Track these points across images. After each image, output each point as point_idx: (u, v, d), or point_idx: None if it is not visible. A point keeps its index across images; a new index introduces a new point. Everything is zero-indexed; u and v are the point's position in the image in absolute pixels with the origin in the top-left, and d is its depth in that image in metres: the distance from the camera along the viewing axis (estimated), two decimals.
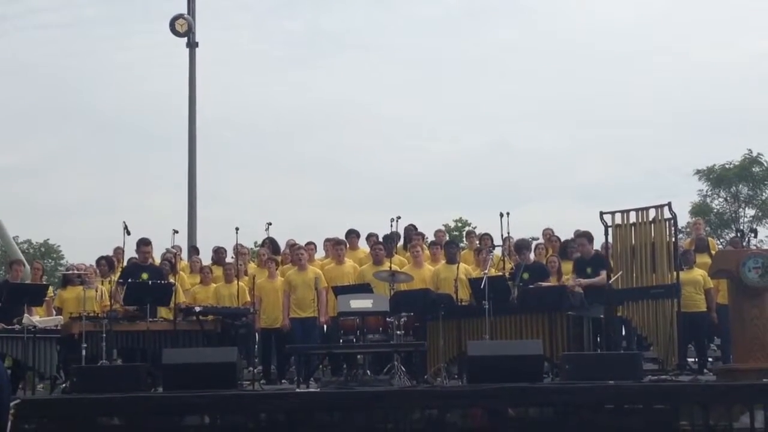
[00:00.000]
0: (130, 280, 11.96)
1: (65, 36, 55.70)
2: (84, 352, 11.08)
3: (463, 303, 11.84)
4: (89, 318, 11.35)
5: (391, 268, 12.23)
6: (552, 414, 9.61)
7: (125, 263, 13.20)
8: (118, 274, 12.66)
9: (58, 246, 40.45)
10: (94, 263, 13.54)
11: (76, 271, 13.01)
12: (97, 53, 55.23)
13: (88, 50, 54.68)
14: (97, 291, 12.48)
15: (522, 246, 12.62)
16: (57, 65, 53.64)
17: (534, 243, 13.05)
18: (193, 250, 15.63)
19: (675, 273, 11.22)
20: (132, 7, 52.96)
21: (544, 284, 11.89)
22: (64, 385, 11.14)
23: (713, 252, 13.42)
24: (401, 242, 14.10)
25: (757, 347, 10.23)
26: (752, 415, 9.32)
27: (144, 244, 12.84)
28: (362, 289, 12.02)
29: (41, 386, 12.00)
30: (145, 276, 12.14)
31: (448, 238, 15.59)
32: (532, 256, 12.75)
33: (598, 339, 12.19)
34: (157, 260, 13.69)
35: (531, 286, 11.64)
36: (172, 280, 12.53)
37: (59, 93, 54.47)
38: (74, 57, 54.75)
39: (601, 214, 11.65)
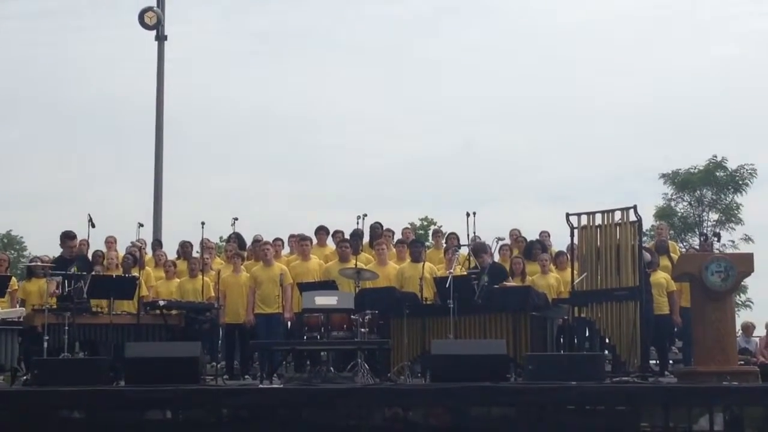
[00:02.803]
0: (93, 273, 11.90)
1: (30, 27, 55.13)
2: (46, 345, 11.00)
3: (428, 302, 11.85)
4: (52, 310, 11.27)
5: (356, 265, 12.24)
6: (514, 414, 9.65)
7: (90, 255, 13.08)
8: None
9: (21, 237, 40.15)
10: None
11: (40, 263, 12.91)
12: (64, 44, 54.70)
13: (54, 41, 54.07)
14: (48, 283, 12.32)
15: (479, 250, 12.52)
16: (21, 56, 53.11)
17: (499, 243, 13.03)
18: (157, 243, 15.55)
19: (639, 275, 11.28)
20: None
21: (509, 284, 11.93)
22: (25, 377, 11.05)
23: (673, 255, 13.52)
24: (367, 240, 14.10)
25: (718, 350, 10.33)
26: (712, 417, 9.41)
27: (68, 238, 12.46)
28: (327, 286, 12.02)
29: (1, 378, 11.89)
30: (75, 269, 11.95)
31: (413, 236, 15.58)
32: (496, 257, 12.76)
33: (561, 340, 12.28)
34: (122, 253, 13.61)
35: (496, 286, 11.66)
36: (135, 274, 12.47)
37: (23, 84, 53.89)
38: (39, 48, 54.21)
39: (567, 215, 11.69)
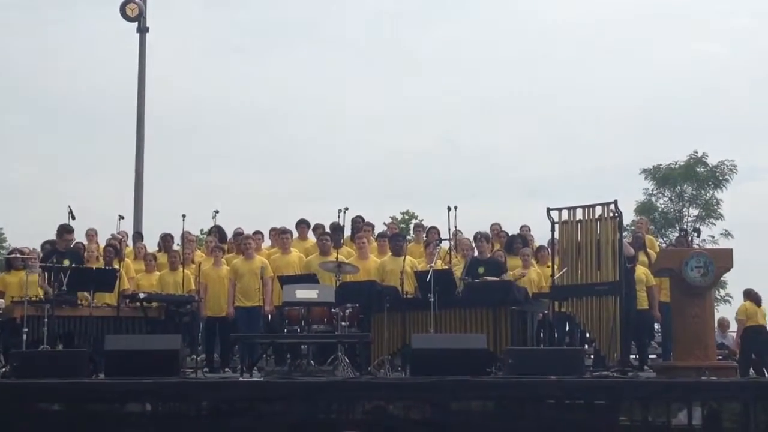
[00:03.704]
0: (73, 265, 11.86)
1: (11, 18, 54.83)
2: (25, 337, 10.95)
3: (409, 296, 11.86)
4: (31, 302, 11.22)
5: (337, 258, 12.23)
6: (494, 408, 9.67)
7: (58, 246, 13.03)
8: None
9: (1, 229, 39.98)
10: (38, 247, 13.39)
11: (19, 255, 12.85)
12: (45, 36, 54.49)
13: (34, 33, 53.82)
14: (40, 275, 12.32)
15: (481, 238, 12.71)
16: (2, 47, 52.88)
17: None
18: (137, 236, 15.50)
19: (619, 270, 11.31)
20: None
21: (490, 279, 11.95)
22: (4, 369, 11.01)
23: (650, 251, 13.56)
24: (348, 233, 14.09)
25: (697, 345, 10.39)
26: (690, 412, 9.45)
27: (66, 231, 12.49)
28: (308, 279, 12.02)
29: None
30: (66, 262, 11.92)
31: (398, 230, 15.59)
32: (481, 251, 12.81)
33: (542, 334, 12.31)
34: (102, 245, 13.57)
35: (477, 281, 11.69)
36: (116, 266, 12.44)
37: (2, 75, 53.71)
38: (20, 39, 53.94)
39: (548, 210, 11.72)
